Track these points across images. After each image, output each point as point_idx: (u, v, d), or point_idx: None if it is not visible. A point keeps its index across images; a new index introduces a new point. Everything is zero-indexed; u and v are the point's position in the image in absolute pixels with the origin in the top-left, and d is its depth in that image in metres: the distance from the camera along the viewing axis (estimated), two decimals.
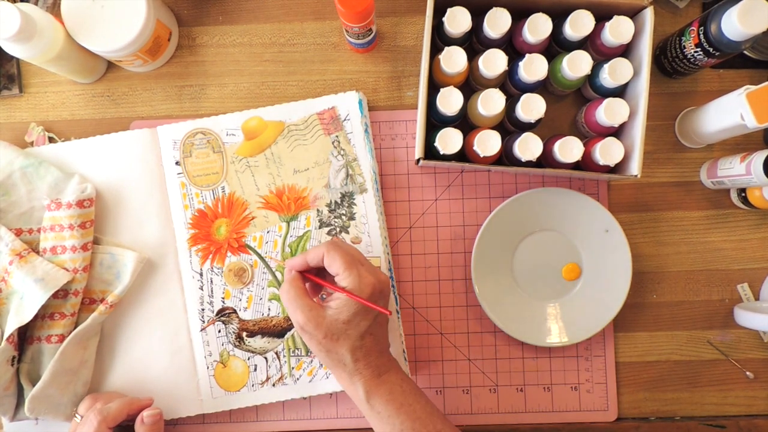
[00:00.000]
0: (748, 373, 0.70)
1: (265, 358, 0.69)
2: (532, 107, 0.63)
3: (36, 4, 0.69)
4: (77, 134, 0.72)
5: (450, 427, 0.54)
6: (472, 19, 0.63)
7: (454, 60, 0.63)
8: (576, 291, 0.70)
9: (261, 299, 0.69)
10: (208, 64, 0.73)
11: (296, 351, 0.69)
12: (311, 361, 0.69)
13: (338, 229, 0.69)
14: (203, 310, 0.69)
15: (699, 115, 0.67)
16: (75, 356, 0.65)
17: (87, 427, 0.60)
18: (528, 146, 0.63)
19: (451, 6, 0.63)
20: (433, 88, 0.67)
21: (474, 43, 0.68)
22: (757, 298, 0.71)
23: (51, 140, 0.72)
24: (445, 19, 0.63)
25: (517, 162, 0.64)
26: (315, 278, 0.57)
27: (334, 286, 0.55)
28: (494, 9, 0.62)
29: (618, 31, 0.62)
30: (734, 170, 0.64)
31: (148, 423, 0.62)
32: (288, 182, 0.70)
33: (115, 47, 0.64)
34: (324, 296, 0.62)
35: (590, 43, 0.66)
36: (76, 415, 0.63)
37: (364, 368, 0.55)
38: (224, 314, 0.69)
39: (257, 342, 0.69)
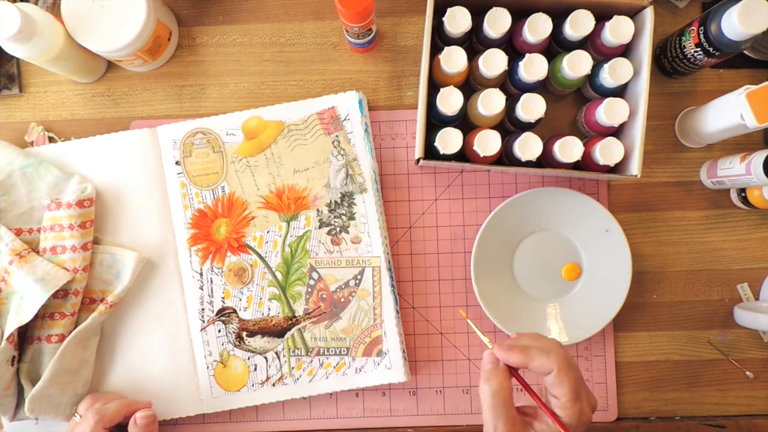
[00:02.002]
0: (748, 373, 0.70)
1: (265, 358, 0.69)
2: (532, 107, 0.63)
3: (36, 4, 0.69)
4: (77, 134, 0.72)
5: None
6: (472, 19, 0.63)
7: (454, 60, 0.63)
8: (576, 291, 0.70)
9: (261, 299, 0.69)
10: (208, 64, 0.73)
11: (296, 351, 0.69)
12: (311, 361, 0.69)
13: (338, 229, 0.69)
14: (203, 309, 0.69)
15: (699, 115, 0.67)
16: (75, 356, 0.65)
17: (83, 427, 0.60)
18: (528, 146, 0.63)
19: (451, 6, 0.63)
20: (433, 88, 0.67)
21: (474, 43, 0.68)
22: (757, 298, 0.71)
23: (51, 140, 0.72)
24: (445, 19, 0.63)
25: (517, 162, 0.64)
26: (532, 393, 0.48)
27: (552, 415, 0.47)
28: (494, 9, 0.62)
29: (618, 31, 0.62)
30: (734, 170, 0.64)
31: (141, 425, 0.62)
32: (288, 182, 0.70)
33: (115, 47, 0.64)
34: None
35: (590, 43, 0.66)
36: (76, 414, 0.63)
37: None
38: (224, 314, 0.69)
39: (257, 342, 0.69)
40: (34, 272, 0.63)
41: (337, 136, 0.70)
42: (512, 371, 0.50)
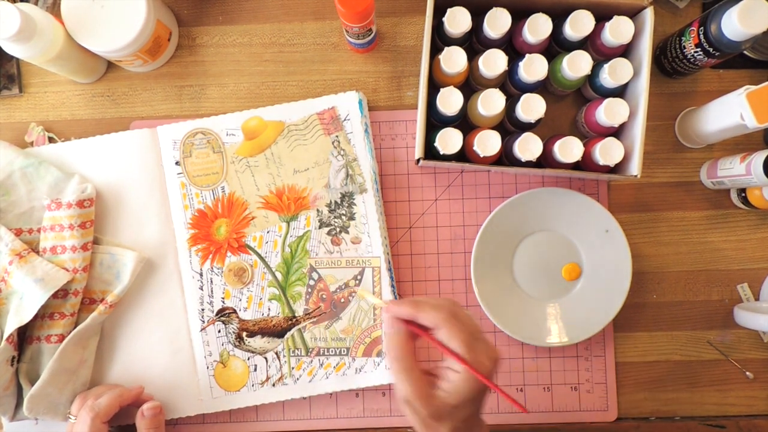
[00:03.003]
0: (748, 373, 0.70)
1: (265, 358, 0.69)
2: (532, 107, 0.63)
3: (36, 4, 0.69)
4: (77, 134, 0.72)
5: None
6: (472, 19, 0.63)
7: (454, 60, 0.63)
8: (576, 291, 0.70)
9: (261, 299, 0.69)
10: (208, 64, 0.73)
11: (296, 351, 0.69)
12: (311, 361, 0.69)
13: (338, 229, 0.69)
14: (203, 310, 0.69)
15: (699, 115, 0.67)
16: (74, 356, 0.65)
17: (81, 426, 0.60)
18: (528, 146, 0.63)
19: (451, 6, 0.63)
20: (433, 88, 0.67)
21: (474, 43, 0.68)
22: (757, 298, 0.71)
23: (51, 140, 0.72)
24: (445, 19, 0.63)
25: (517, 162, 0.64)
26: (437, 343, 0.49)
27: (460, 359, 0.47)
28: (494, 9, 0.62)
29: (618, 31, 0.62)
30: (734, 170, 0.64)
31: (149, 416, 0.63)
32: (288, 182, 0.70)
33: (115, 47, 0.64)
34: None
35: (590, 43, 0.66)
36: (70, 416, 0.63)
37: None
38: (224, 314, 0.69)
39: (257, 342, 0.69)
40: (34, 272, 0.63)
41: (337, 136, 0.70)
42: (417, 330, 0.50)
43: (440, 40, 0.66)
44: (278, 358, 0.69)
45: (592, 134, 0.67)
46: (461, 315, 0.49)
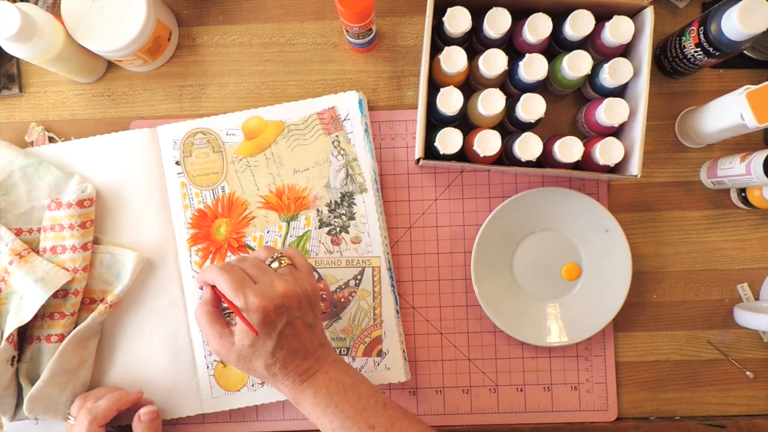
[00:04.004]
0: (748, 373, 0.70)
1: None
2: (532, 107, 0.63)
3: (36, 4, 0.69)
4: (77, 134, 0.72)
5: (387, 418, 0.53)
6: (472, 19, 0.63)
7: (454, 60, 0.63)
8: (576, 291, 0.70)
9: None
10: (208, 64, 0.73)
11: None
12: None
13: (338, 229, 0.69)
14: None
15: (699, 115, 0.67)
16: (74, 356, 0.65)
17: (78, 428, 0.60)
18: (528, 146, 0.63)
19: (451, 6, 0.63)
20: (433, 88, 0.67)
21: (474, 43, 0.68)
22: (757, 298, 0.71)
23: (51, 140, 0.72)
24: (445, 19, 0.63)
25: (517, 162, 0.64)
26: (224, 298, 0.55)
27: (235, 309, 0.53)
28: (494, 9, 0.62)
29: (618, 31, 0.62)
30: (734, 170, 0.64)
31: (146, 420, 0.63)
32: (288, 182, 0.70)
33: (115, 47, 0.64)
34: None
35: (590, 43, 0.66)
36: (69, 417, 0.63)
37: (284, 378, 0.54)
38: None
39: None
40: (34, 272, 0.63)
41: (337, 136, 0.70)
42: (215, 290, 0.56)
43: (440, 40, 0.66)
44: None
45: (592, 134, 0.67)
46: (232, 267, 0.55)
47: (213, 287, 0.56)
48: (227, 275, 0.53)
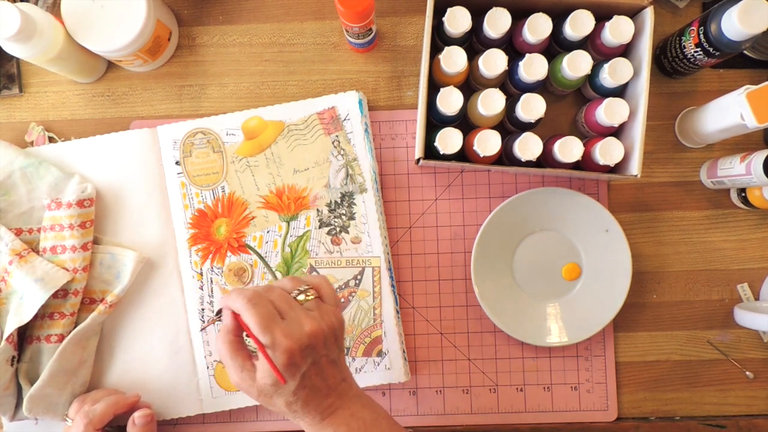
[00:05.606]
0: (748, 373, 0.70)
1: None
2: (532, 107, 0.63)
3: (36, 4, 0.69)
4: (77, 134, 0.72)
5: None
6: (472, 19, 0.63)
7: (454, 60, 0.63)
8: (576, 291, 0.70)
9: None
10: (208, 64, 0.73)
11: None
12: None
13: (338, 229, 0.69)
14: (203, 310, 0.69)
15: (699, 115, 0.67)
16: (74, 356, 0.65)
17: (75, 430, 0.60)
18: (528, 146, 0.63)
19: (451, 6, 0.63)
20: (433, 88, 0.67)
21: (474, 43, 0.68)
22: (757, 298, 0.71)
23: (51, 140, 0.72)
24: (445, 19, 0.63)
25: (517, 162, 0.64)
26: (249, 332, 0.52)
27: (261, 347, 0.50)
28: (494, 9, 0.62)
29: (618, 31, 0.62)
30: (734, 170, 0.64)
31: (140, 424, 0.62)
32: (288, 182, 0.70)
33: (115, 47, 0.64)
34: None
35: (590, 43, 0.66)
36: (67, 418, 0.63)
37: (304, 415, 0.53)
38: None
39: None
40: (34, 272, 0.63)
41: (337, 136, 0.70)
42: (233, 315, 0.53)
43: (440, 40, 0.66)
44: None
45: (592, 134, 0.67)
46: (260, 299, 0.51)
47: (236, 315, 0.53)
48: (255, 309, 0.50)
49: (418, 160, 0.65)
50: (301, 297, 0.54)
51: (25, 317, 0.62)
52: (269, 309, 0.51)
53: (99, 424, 0.61)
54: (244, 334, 0.53)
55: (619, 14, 0.63)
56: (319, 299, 0.55)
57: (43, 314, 0.65)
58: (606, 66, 0.63)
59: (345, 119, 0.70)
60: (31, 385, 0.63)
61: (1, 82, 0.72)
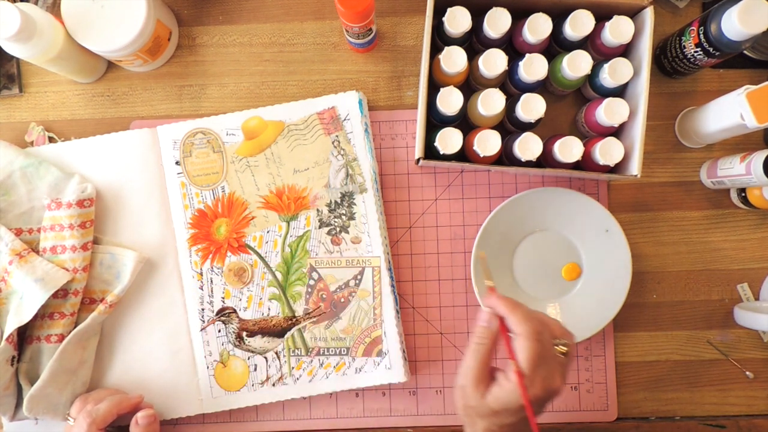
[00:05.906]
0: (748, 373, 0.70)
1: (265, 357, 0.69)
2: (532, 107, 0.63)
3: (36, 4, 0.69)
4: (77, 134, 0.72)
5: None
6: (472, 19, 0.63)
7: (454, 60, 0.63)
8: (576, 291, 0.70)
9: (261, 299, 0.69)
10: (208, 64, 0.73)
11: (296, 351, 0.69)
12: (311, 361, 0.69)
13: (338, 229, 0.69)
14: (203, 310, 0.69)
15: (699, 115, 0.67)
16: (74, 356, 0.65)
17: (77, 430, 0.60)
18: (528, 146, 0.63)
19: (451, 6, 0.63)
20: (433, 88, 0.67)
21: (474, 43, 0.68)
22: (757, 298, 0.71)
23: (51, 140, 0.72)
24: (445, 19, 0.63)
25: (517, 162, 0.64)
26: (510, 347, 0.51)
27: (518, 371, 0.49)
28: (494, 9, 0.62)
29: (618, 31, 0.62)
30: (734, 170, 0.64)
31: (143, 424, 0.62)
32: (288, 182, 0.70)
33: (115, 47, 0.64)
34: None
35: (590, 43, 0.66)
36: (69, 417, 0.63)
37: None
38: (224, 314, 0.69)
39: (257, 342, 0.69)
40: (34, 272, 0.63)
41: (337, 136, 0.70)
42: (501, 326, 0.53)
43: (440, 40, 0.66)
44: (278, 358, 0.69)
45: (592, 134, 0.67)
46: (545, 335, 0.51)
47: (504, 329, 0.52)
48: (536, 345, 0.49)
49: (418, 160, 0.65)
50: (560, 348, 0.53)
51: (25, 317, 0.62)
52: (547, 351, 0.50)
53: (102, 424, 0.61)
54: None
55: (619, 14, 0.63)
56: (568, 358, 0.53)
57: (43, 314, 0.65)
58: (606, 66, 0.63)
59: (345, 119, 0.70)
60: (31, 385, 0.63)
61: (1, 82, 0.72)
